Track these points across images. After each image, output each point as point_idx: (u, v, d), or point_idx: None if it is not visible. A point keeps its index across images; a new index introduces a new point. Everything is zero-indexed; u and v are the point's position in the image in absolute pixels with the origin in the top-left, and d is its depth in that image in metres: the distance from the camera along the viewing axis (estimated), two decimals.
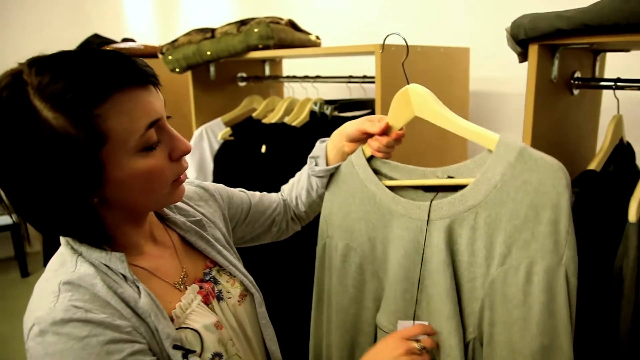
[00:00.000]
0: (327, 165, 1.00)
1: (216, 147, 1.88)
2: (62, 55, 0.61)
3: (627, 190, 1.05)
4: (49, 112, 0.59)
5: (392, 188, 0.93)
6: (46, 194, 0.63)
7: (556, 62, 1.03)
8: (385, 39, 0.98)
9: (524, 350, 0.81)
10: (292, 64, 2.25)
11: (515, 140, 0.81)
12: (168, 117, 0.70)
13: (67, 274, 0.64)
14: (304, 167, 1.07)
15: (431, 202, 0.88)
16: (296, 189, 1.08)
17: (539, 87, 0.99)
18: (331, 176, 1.01)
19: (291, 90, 1.97)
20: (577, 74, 1.12)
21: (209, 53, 1.71)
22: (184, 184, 0.76)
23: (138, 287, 0.68)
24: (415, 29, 1.88)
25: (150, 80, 0.65)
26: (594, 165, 1.08)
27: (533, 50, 0.97)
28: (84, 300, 0.62)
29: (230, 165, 1.80)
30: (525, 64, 1.00)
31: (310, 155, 1.03)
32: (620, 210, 1.01)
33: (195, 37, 1.72)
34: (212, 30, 1.71)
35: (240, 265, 0.90)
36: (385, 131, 0.92)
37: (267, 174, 1.62)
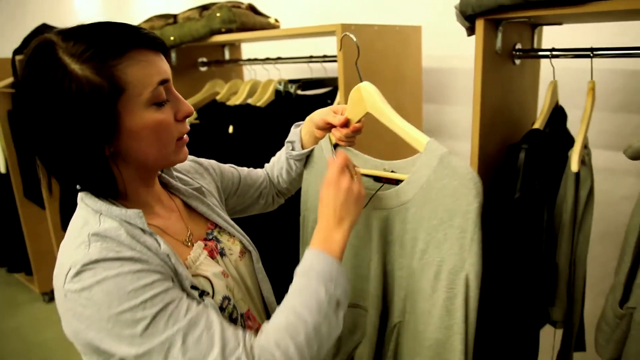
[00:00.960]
0: (303, 148, 1.09)
1: None
2: (84, 25, 0.71)
3: (565, 146, 1.21)
4: (76, 64, 0.68)
5: None
6: (67, 142, 0.70)
7: (499, 35, 1.15)
8: (342, 37, 1.06)
9: (424, 342, 0.91)
10: (251, 47, 2.31)
11: (439, 145, 0.86)
12: None
13: (93, 228, 0.72)
14: (282, 148, 1.16)
15: (375, 192, 0.97)
16: (277, 168, 1.17)
17: (486, 58, 1.11)
18: (308, 156, 1.11)
19: (253, 72, 2.03)
20: (518, 46, 1.25)
21: (172, 38, 1.74)
22: None
23: (156, 239, 0.76)
24: (372, 9, 1.98)
25: (160, 46, 0.74)
26: (537, 124, 1.22)
27: (479, 24, 1.09)
28: (113, 247, 0.70)
29: (199, 147, 1.85)
30: (472, 38, 1.12)
31: (286, 139, 1.12)
32: (560, 162, 1.16)
33: (157, 23, 1.75)
34: (174, 16, 1.75)
35: (237, 227, 0.99)
36: (346, 124, 1.00)
37: (236, 153, 1.69)
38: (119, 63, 0.69)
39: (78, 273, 0.67)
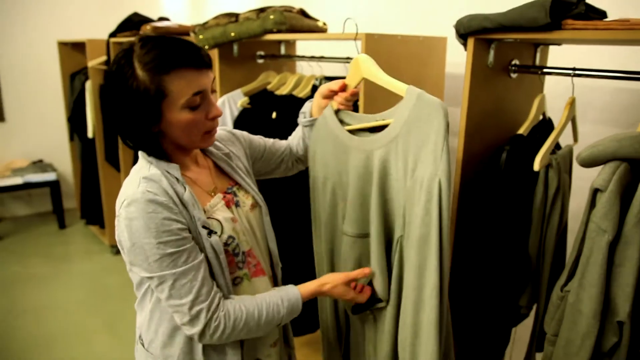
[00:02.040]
0: (311, 117, 1.37)
1: (236, 113, 2.24)
2: (156, 37, 1.00)
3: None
4: (140, 70, 0.97)
5: (351, 131, 1.26)
6: (129, 121, 1.02)
7: (492, 52, 1.35)
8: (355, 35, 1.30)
9: (413, 242, 1.11)
10: (306, 45, 2.58)
11: (416, 88, 1.10)
12: (213, 91, 1.07)
13: (145, 173, 1.03)
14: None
15: (371, 137, 1.20)
16: (296, 138, 1.45)
17: (475, 70, 1.31)
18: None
19: (301, 68, 2.30)
20: (515, 62, 1.44)
21: (232, 34, 2.05)
22: (218, 129, 1.18)
23: (184, 187, 1.06)
24: (400, 20, 2.20)
25: (204, 64, 1.01)
26: (521, 131, 1.41)
27: (470, 42, 1.30)
28: (154, 188, 0.99)
29: (247, 128, 2.15)
30: None
31: (300, 111, 1.39)
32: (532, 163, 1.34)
33: (222, 21, 2.07)
34: (237, 15, 2.05)
35: (254, 186, 1.27)
36: (344, 89, 1.27)
37: (276, 136, 1.96)
38: (167, 76, 0.97)
39: (128, 204, 0.97)
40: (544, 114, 1.45)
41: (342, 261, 1.32)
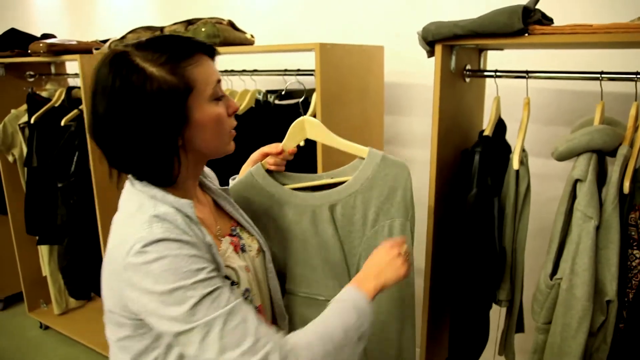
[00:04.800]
0: None
1: None
2: (152, 38, 0.84)
3: (504, 150, 1.46)
4: (153, 67, 0.80)
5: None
6: (147, 135, 0.81)
7: (453, 58, 1.39)
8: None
9: None
10: (227, 59, 2.46)
11: (377, 150, 1.19)
12: None
13: (151, 212, 0.81)
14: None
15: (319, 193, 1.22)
16: None
17: (443, 76, 1.34)
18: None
19: (229, 83, 2.19)
20: (468, 67, 1.50)
21: None
22: None
23: (201, 229, 0.87)
24: (339, 30, 2.20)
25: (213, 52, 0.89)
26: (487, 132, 1.47)
27: (438, 48, 1.33)
28: (172, 229, 0.80)
29: None
30: (430, 60, 1.35)
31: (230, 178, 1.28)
32: (502, 163, 1.41)
33: (143, 34, 1.89)
34: (161, 29, 1.88)
35: (256, 228, 1.11)
36: (281, 152, 1.21)
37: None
38: (188, 64, 0.82)
39: (143, 247, 0.76)
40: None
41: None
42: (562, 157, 1.23)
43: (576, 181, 1.19)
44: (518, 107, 1.44)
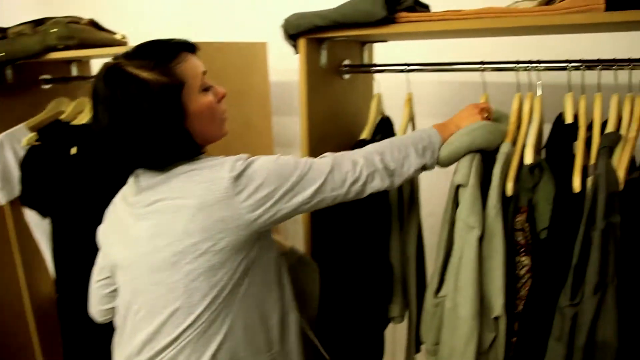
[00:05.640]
0: None
1: (22, 154, 1.78)
2: (137, 46, 0.94)
3: None
4: (146, 73, 0.89)
5: None
6: (162, 130, 0.91)
7: (324, 52, 1.24)
8: None
9: None
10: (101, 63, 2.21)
11: None
12: None
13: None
14: None
15: None
16: None
17: (310, 73, 1.19)
18: None
19: None
20: (347, 62, 1.35)
21: (2, 54, 1.62)
22: None
23: None
24: (215, 27, 2.01)
25: (193, 48, 0.98)
26: (364, 135, 1.33)
27: (302, 43, 1.17)
28: None
29: (39, 170, 1.73)
30: None
31: None
32: None
33: None
34: (4, 30, 1.62)
35: None
36: None
37: (78, 175, 1.60)
38: (176, 63, 0.92)
39: (235, 162, 0.92)
40: (382, 113, 1.39)
41: None
42: (445, 164, 1.10)
43: (458, 187, 1.07)
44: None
